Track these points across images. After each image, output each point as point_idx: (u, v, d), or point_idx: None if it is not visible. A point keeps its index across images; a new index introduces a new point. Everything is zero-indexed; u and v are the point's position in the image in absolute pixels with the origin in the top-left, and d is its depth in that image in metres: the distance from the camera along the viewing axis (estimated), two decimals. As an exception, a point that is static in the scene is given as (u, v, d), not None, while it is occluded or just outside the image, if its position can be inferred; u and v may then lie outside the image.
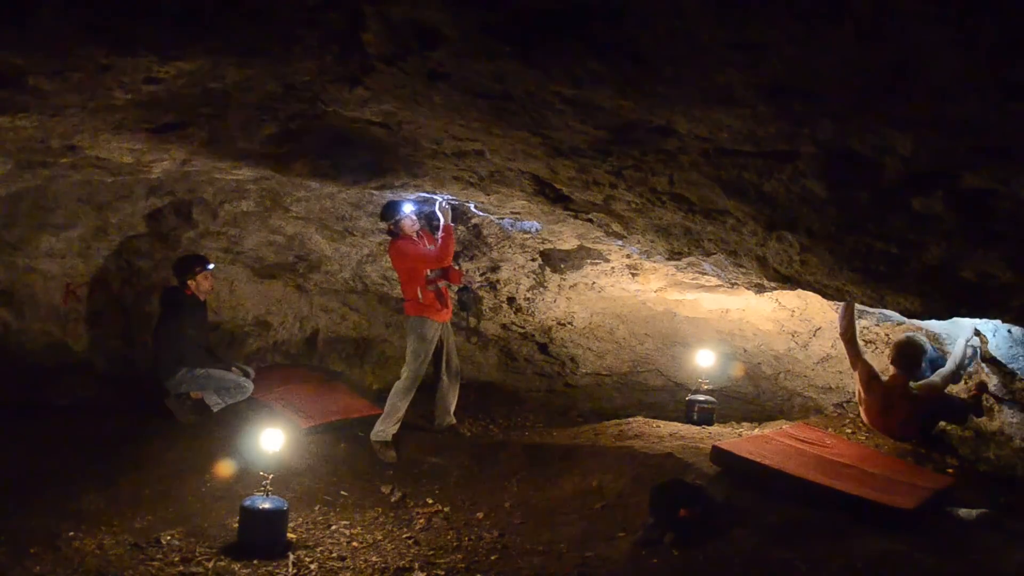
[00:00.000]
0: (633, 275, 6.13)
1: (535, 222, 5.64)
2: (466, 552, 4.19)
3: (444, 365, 5.92)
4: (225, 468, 5.05)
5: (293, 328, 7.25)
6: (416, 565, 4.02)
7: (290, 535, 4.31)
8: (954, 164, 2.28)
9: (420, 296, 5.61)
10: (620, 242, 5.07)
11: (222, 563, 3.98)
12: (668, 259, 5.03)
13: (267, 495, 4.26)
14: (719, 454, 4.46)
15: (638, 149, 2.99)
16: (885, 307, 3.56)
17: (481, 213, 5.83)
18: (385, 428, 5.62)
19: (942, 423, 5.12)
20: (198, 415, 5.80)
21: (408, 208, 5.50)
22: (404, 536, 4.45)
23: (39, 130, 3.70)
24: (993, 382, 4.72)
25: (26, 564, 3.69)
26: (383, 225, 5.79)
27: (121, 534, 4.15)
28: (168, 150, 4.23)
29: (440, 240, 5.48)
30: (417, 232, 5.64)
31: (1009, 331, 4.45)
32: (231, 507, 4.53)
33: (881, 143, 2.30)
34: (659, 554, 3.76)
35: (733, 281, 5.54)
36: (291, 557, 4.09)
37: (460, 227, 6.25)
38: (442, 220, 5.48)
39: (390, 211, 5.56)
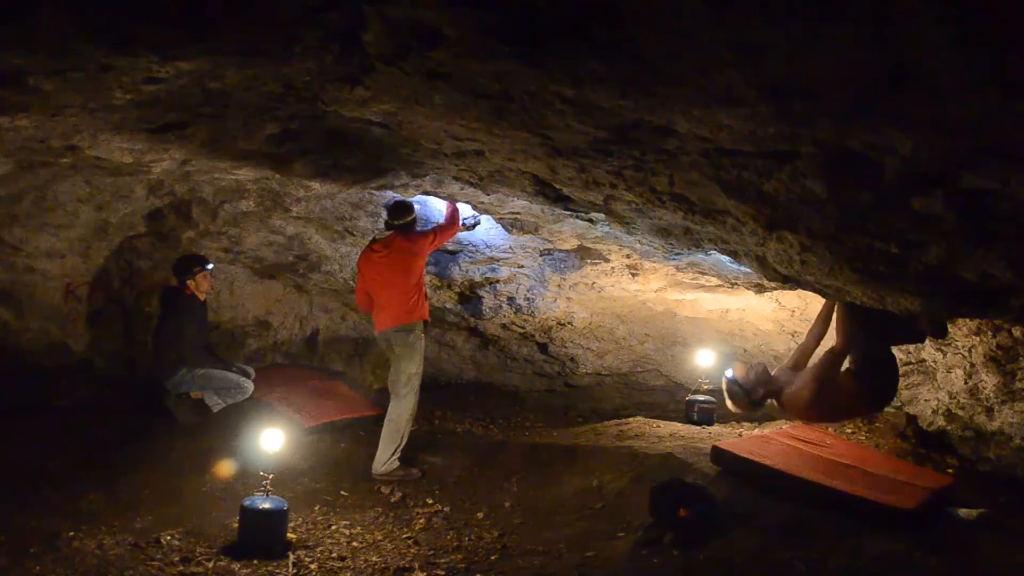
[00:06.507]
0: (633, 275, 6.13)
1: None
2: (466, 552, 4.19)
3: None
4: (225, 468, 5.05)
5: (293, 328, 7.25)
6: (416, 565, 4.02)
7: (290, 535, 4.31)
8: (954, 164, 2.28)
9: (420, 297, 5.37)
10: (619, 242, 5.06)
11: (222, 563, 3.98)
12: (668, 259, 5.04)
13: (267, 495, 4.25)
14: (719, 454, 4.47)
15: (638, 149, 2.99)
16: (885, 307, 3.56)
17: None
18: (393, 458, 5.27)
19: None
20: (198, 415, 5.80)
21: (417, 206, 5.51)
22: (404, 536, 4.45)
23: (39, 130, 3.69)
24: (994, 382, 4.71)
25: (26, 564, 3.69)
26: (398, 222, 5.36)
27: (121, 534, 4.15)
28: (168, 150, 4.23)
29: (446, 217, 5.49)
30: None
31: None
32: (231, 507, 4.53)
33: (881, 143, 2.29)
34: (659, 554, 3.76)
35: (733, 281, 5.54)
36: (291, 557, 4.09)
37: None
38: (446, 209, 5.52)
39: (407, 207, 5.36)
